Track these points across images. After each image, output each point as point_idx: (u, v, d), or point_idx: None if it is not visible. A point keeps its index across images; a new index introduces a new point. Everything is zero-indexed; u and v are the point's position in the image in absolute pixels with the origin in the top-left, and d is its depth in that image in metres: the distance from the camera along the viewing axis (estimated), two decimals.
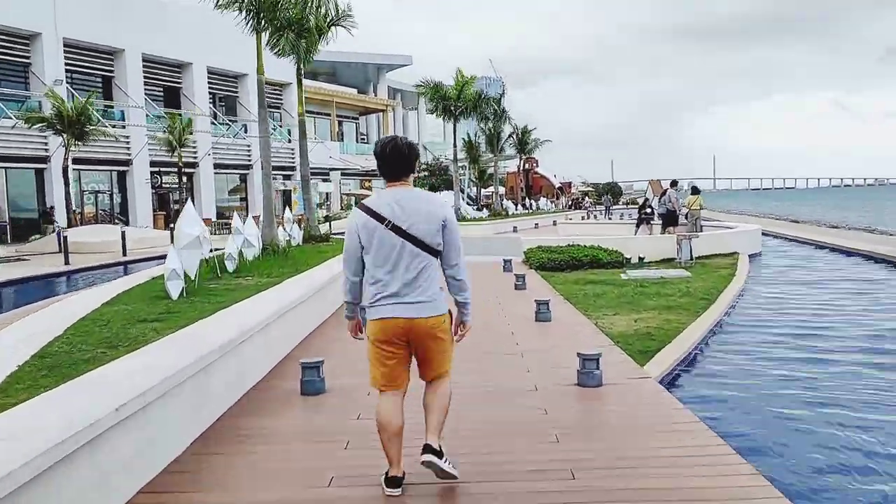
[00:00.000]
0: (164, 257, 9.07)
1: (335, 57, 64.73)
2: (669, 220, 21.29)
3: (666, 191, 22.70)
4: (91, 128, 27.16)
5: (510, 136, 50.63)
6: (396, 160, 3.49)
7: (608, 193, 52.50)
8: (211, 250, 9.74)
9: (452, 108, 32.37)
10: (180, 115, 36.15)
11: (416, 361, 3.57)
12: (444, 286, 3.55)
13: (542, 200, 53.41)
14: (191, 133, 40.38)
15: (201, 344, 4.89)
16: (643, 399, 5.18)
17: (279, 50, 16.89)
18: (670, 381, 6.40)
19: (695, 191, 21.12)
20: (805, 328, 9.32)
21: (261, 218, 13.09)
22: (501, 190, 47.88)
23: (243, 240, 11.27)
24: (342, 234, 34.91)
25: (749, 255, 16.25)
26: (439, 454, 3.50)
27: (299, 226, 17.97)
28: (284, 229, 15.03)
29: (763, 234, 20.17)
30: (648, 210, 23.82)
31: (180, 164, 33.82)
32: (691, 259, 14.34)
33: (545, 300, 8.43)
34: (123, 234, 22.08)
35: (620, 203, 65.43)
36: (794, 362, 7.59)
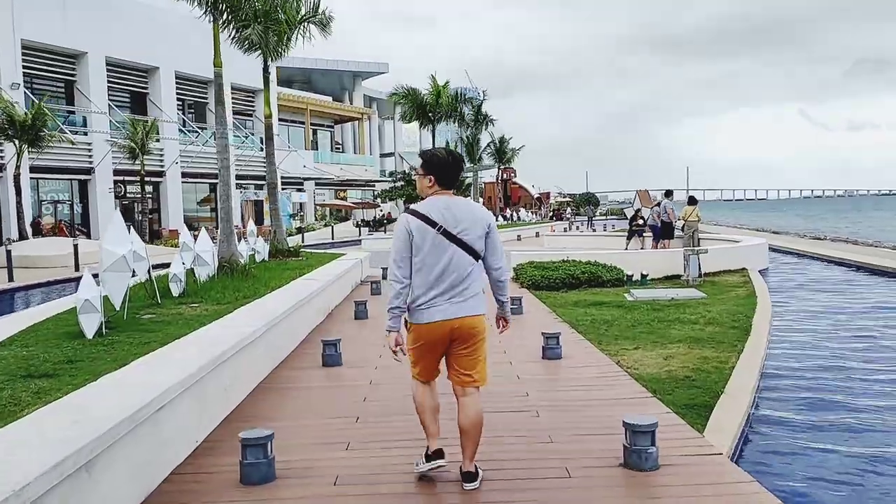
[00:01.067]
0: None
1: (310, 64, 63.29)
2: (665, 232, 20.01)
3: (659, 202, 21.42)
4: (46, 133, 25.25)
5: (488, 144, 49.36)
6: (455, 170, 3.72)
7: (590, 204, 51.34)
8: (148, 270, 8.16)
9: (430, 113, 30.88)
10: (144, 120, 34.17)
11: (451, 364, 3.75)
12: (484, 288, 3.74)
13: (522, 211, 52.13)
14: (157, 140, 38.63)
15: (85, 425, 3.31)
16: (721, 490, 3.69)
17: (246, 45, 15.30)
18: (739, 454, 4.93)
19: (692, 201, 19.83)
20: (868, 357, 8.01)
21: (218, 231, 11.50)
22: (480, 200, 46.50)
23: (194, 257, 9.68)
24: (320, 245, 33.99)
25: (758, 271, 14.91)
26: (476, 475, 3.74)
27: (265, 239, 16.33)
28: (248, 243, 13.43)
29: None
30: (640, 222, 22.52)
31: (142, 172, 31.94)
32: (700, 276, 12.97)
33: (554, 334, 6.94)
34: (76, 246, 20.26)
35: (597, 214, 64.37)
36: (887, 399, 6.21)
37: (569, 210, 49.86)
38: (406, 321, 3.69)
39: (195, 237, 10.01)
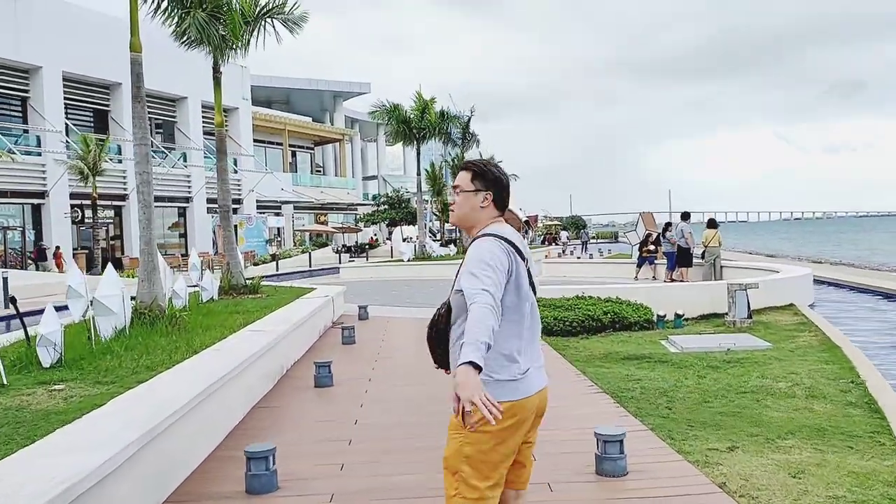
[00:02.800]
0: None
1: (289, 84, 61.02)
2: (682, 259, 17.61)
3: (670, 225, 19.07)
4: None
5: None
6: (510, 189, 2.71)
7: (580, 228, 48.84)
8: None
9: (414, 131, 28.38)
10: (100, 138, 31.35)
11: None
12: None
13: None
14: (119, 161, 35.98)
15: None
16: None
17: (186, 38, 12.80)
18: None
19: (711, 224, 17.47)
20: None
21: (157, 266, 8.85)
22: None
23: (86, 306, 7.07)
24: (296, 274, 31.16)
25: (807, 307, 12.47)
26: None
27: (211, 270, 13.66)
28: (188, 279, 10.80)
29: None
30: (651, 248, 20.12)
31: (94, 194, 29.19)
32: (749, 317, 10.48)
33: (615, 436, 4.36)
34: (5, 279, 17.49)
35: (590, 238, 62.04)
36: None
37: (564, 234, 47.34)
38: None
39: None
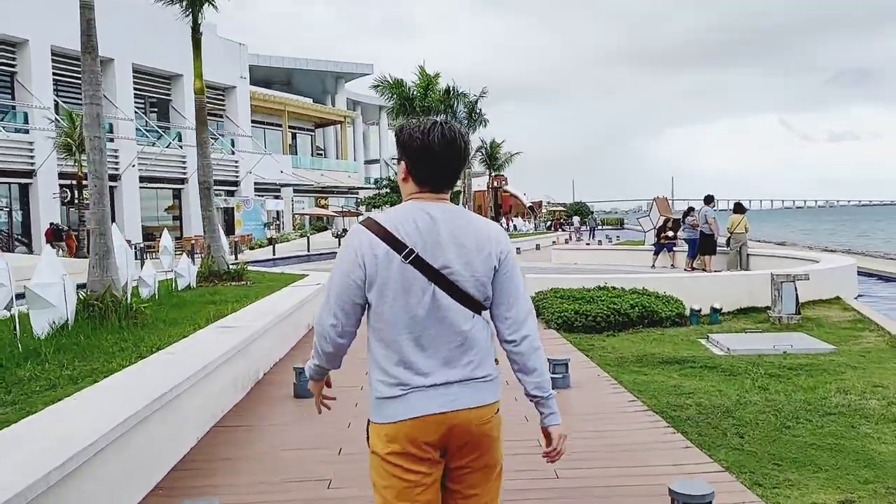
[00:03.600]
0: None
1: (290, 63, 59.45)
2: (705, 247, 16.31)
3: (692, 209, 17.76)
4: None
5: (478, 149, 45.66)
6: (447, 157, 2.08)
7: (584, 213, 47.31)
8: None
9: (417, 108, 26.91)
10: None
11: (448, 498, 2.12)
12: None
13: (519, 220, 48.34)
14: (111, 140, 34.62)
15: None
16: None
17: None
18: None
19: (739, 209, 16.14)
20: None
21: (115, 248, 7.57)
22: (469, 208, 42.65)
23: (8, 297, 5.81)
24: (293, 259, 29.89)
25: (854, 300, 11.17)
26: None
27: (191, 257, 12.34)
28: (160, 264, 9.53)
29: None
30: (669, 234, 18.79)
31: (80, 173, 27.86)
32: (797, 312, 9.18)
33: (701, 498, 3.06)
34: None
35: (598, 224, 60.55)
36: None
37: (577, 219, 45.71)
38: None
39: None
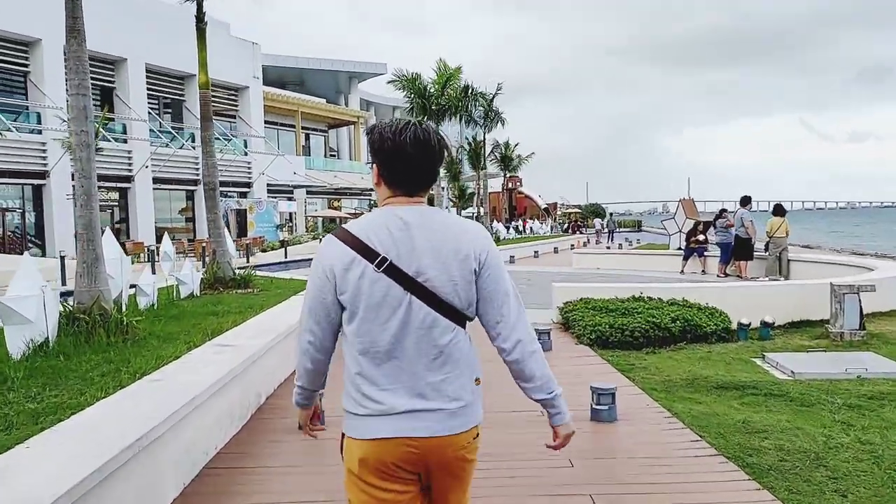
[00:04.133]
0: None
1: (303, 63, 58.94)
2: (741, 251, 15.44)
3: (725, 211, 16.89)
4: None
5: (492, 150, 44.80)
6: (421, 158, 1.99)
7: (611, 215, 46.15)
8: None
9: (434, 106, 26.06)
10: (98, 115, 29.20)
11: None
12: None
13: (535, 222, 47.42)
14: (124, 141, 34.19)
15: None
16: None
17: None
18: None
19: (779, 210, 15.25)
20: None
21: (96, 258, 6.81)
22: (482, 212, 41.60)
23: None
24: (305, 262, 29.15)
25: None
26: None
27: (202, 260, 11.60)
28: (160, 270, 8.81)
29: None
30: (701, 237, 17.91)
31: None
32: (861, 328, 8.30)
33: None
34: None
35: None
36: None
37: (598, 221, 44.65)
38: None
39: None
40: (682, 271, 17.70)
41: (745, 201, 15.80)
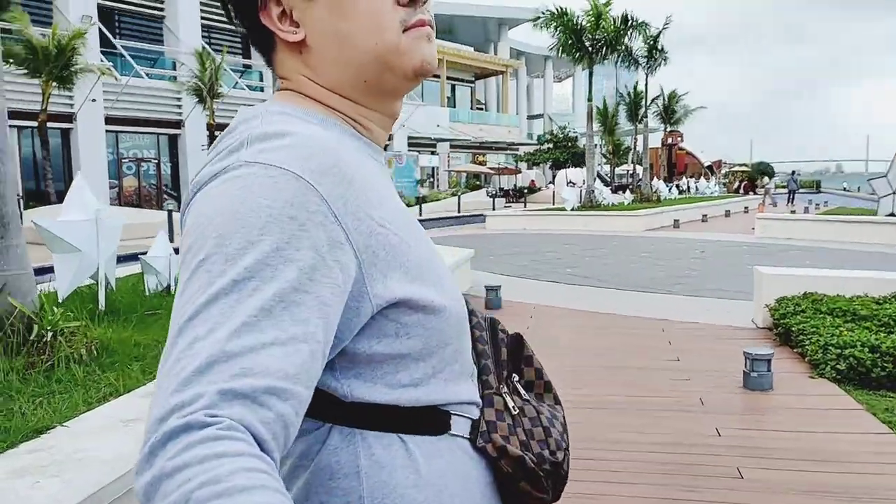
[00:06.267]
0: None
1: (449, 9, 56.00)
2: None
3: None
4: (77, 68, 19.47)
5: (653, 101, 39.99)
6: None
7: (792, 174, 40.13)
8: None
9: (587, 44, 22.27)
10: (211, 54, 27.41)
11: None
12: None
13: (701, 181, 42.27)
14: (261, 90, 32.93)
15: None
16: None
17: None
18: None
19: None
20: None
21: None
22: (639, 168, 37.11)
23: None
24: (440, 221, 26.57)
25: None
26: None
27: None
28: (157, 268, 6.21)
29: None
30: None
31: (212, 122, 25.93)
32: None
33: None
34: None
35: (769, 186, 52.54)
36: None
37: (769, 181, 39.12)
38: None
39: None
40: None
41: None
